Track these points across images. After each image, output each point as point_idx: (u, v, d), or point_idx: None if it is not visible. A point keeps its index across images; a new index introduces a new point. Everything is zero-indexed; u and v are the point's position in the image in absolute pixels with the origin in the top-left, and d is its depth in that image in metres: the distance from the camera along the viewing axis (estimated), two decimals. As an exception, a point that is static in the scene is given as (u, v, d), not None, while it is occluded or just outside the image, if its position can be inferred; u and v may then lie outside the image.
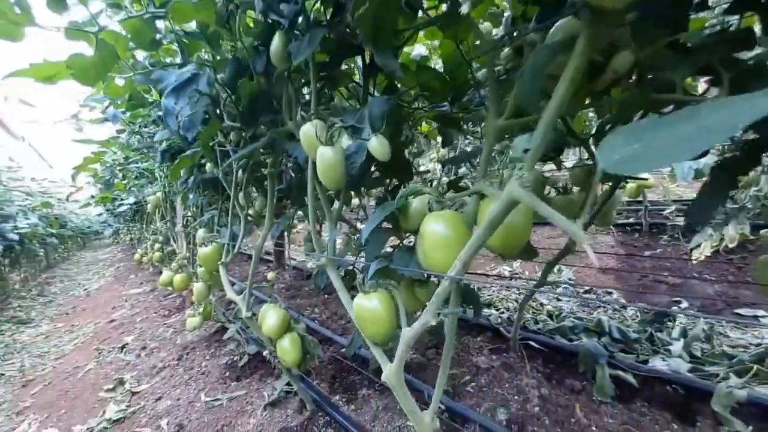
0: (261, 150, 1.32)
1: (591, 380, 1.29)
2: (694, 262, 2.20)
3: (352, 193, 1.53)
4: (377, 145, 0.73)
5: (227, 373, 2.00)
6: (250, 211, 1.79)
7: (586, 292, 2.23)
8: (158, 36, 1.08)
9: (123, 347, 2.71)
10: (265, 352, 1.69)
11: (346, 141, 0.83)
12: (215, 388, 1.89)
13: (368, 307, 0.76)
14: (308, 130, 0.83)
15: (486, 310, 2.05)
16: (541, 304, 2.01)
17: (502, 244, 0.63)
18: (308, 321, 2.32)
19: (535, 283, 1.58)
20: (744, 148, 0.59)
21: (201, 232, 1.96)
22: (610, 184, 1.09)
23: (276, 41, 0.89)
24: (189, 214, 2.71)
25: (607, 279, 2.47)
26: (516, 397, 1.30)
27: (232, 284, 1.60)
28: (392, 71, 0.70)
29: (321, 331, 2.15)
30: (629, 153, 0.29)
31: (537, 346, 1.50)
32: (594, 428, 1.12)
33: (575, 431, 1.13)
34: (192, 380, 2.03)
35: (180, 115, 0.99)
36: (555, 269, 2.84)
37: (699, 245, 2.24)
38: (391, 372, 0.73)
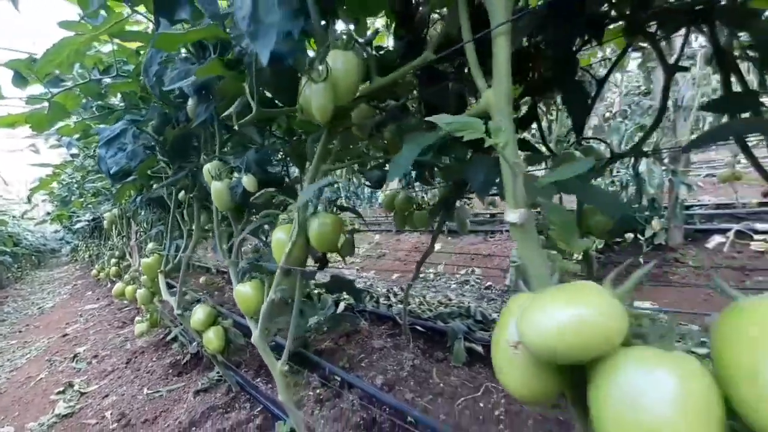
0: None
1: (451, 352, 1.68)
2: (573, 260, 2.69)
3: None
4: (247, 181, 1.10)
5: (170, 371, 2.25)
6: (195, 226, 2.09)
7: (486, 288, 2.67)
8: (103, 90, 1.42)
9: (75, 357, 2.88)
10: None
11: (238, 177, 1.19)
12: (157, 383, 2.15)
13: (243, 291, 1.11)
14: (207, 167, 1.18)
15: (399, 305, 2.43)
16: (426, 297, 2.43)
17: (317, 244, 0.99)
18: (239, 318, 2.61)
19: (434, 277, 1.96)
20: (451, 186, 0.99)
21: (150, 246, 2.24)
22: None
23: (190, 102, 1.24)
24: (140, 229, 2.96)
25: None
26: (395, 368, 1.67)
27: (185, 293, 1.88)
28: (251, 135, 1.07)
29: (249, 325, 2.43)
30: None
31: (421, 329, 1.89)
32: (442, 385, 1.50)
33: (429, 388, 1.51)
34: (137, 379, 2.27)
35: (114, 161, 1.32)
36: (468, 270, 3.28)
37: (576, 248, 2.74)
38: (255, 336, 1.08)
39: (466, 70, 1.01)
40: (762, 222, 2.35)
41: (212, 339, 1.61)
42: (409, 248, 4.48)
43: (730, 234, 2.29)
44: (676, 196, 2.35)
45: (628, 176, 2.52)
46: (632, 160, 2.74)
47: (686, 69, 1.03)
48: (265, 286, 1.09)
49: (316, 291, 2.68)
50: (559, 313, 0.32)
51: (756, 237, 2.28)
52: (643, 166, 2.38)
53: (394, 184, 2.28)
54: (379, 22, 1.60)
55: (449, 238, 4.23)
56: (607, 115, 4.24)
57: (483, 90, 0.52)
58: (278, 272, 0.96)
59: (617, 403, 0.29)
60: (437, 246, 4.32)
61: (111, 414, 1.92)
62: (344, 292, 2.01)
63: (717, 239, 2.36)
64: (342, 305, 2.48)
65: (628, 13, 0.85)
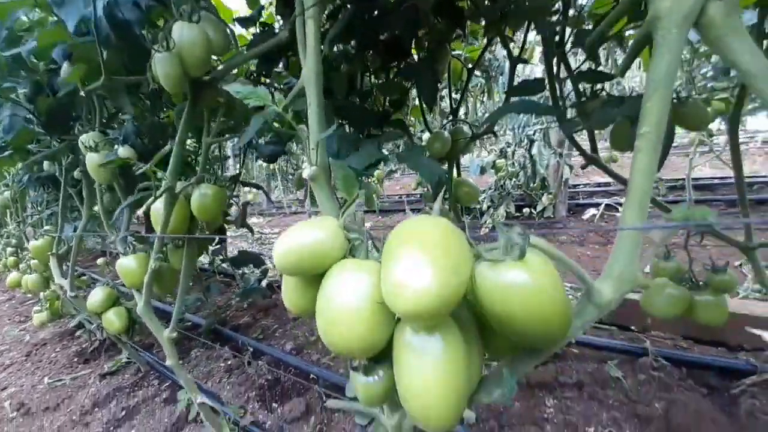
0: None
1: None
2: (482, 232, 2.99)
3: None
4: (123, 151, 1.08)
5: (76, 359, 2.15)
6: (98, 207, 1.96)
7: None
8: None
9: (-36, 355, 2.60)
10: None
11: (121, 150, 1.16)
12: (61, 372, 2.04)
13: (126, 264, 1.11)
14: (83, 139, 1.14)
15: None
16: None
17: (198, 215, 1.03)
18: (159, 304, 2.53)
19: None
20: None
21: (46, 228, 2.06)
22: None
23: (63, 68, 1.17)
24: (34, 212, 2.69)
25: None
26: (306, 335, 1.77)
27: (81, 275, 1.77)
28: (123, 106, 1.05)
29: (162, 307, 2.35)
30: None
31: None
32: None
33: (334, 350, 1.64)
34: (38, 370, 2.13)
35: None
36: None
37: (486, 221, 3.03)
38: (140, 306, 1.10)
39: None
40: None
41: (113, 320, 1.57)
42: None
43: (601, 207, 2.71)
44: (561, 176, 2.69)
45: (525, 158, 2.83)
46: (528, 143, 3.05)
47: (526, 61, 1.20)
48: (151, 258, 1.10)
49: (241, 271, 2.68)
50: (288, 238, 0.42)
51: (620, 209, 2.73)
52: (535, 149, 2.69)
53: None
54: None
55: (380, 216, 4.38)
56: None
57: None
58: (156, 242, 0.99)
59: (323, 297, 0.40)
60: (368, 224, 4.47)
61: (9, 404, 1.81)
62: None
63: (591, 211, 2.77)
64: (264, 282, 2.51)
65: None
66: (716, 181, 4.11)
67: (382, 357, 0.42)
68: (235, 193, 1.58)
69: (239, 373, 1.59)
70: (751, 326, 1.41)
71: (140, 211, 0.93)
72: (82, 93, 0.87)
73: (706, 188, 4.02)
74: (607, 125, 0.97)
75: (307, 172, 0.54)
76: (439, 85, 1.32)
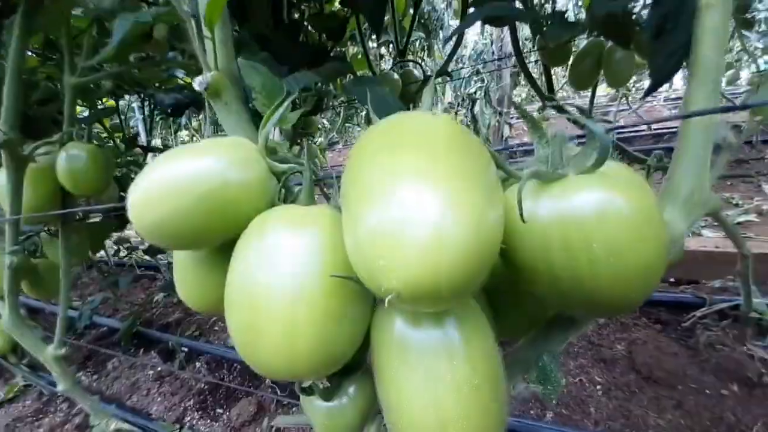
0: None
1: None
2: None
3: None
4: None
5: (-44, 390, 1.70)
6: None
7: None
8: None
9: None
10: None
11: None
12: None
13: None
14: None
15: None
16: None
17: (70, 186, 0.74)
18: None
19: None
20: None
21: None
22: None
23: None
24: None
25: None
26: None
27: None
28: None
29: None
30: None
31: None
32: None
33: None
34: None
35: None
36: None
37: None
38: (4, 318, 0.80)
39: None
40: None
41: (-11, 339, 1.22)
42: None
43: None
44: (501, 135, 2.68)
45: (467, 118, 2.77)
46: (470, 103, 2.98)
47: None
48: (6, 253, 0.80)
49: (165, 260, 2.31)
50: (155, 175, 0.22)
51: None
52: (477, 108, 2.63)
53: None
54: None
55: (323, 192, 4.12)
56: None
57: None
58: (7, 229, 0.70)
59: (234, 279, 0.21)
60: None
61: None
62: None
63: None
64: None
65: None
66: (633, 133, 4.50)
67: (351, 365, 0.25)
68: (142, 162, 1.26)
69: (172, 380, 1.34)
70: (688, 261, 1.50)
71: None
72: None
73: (626, 141, 4.37)
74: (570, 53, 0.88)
75: (199, 80, 0.33)
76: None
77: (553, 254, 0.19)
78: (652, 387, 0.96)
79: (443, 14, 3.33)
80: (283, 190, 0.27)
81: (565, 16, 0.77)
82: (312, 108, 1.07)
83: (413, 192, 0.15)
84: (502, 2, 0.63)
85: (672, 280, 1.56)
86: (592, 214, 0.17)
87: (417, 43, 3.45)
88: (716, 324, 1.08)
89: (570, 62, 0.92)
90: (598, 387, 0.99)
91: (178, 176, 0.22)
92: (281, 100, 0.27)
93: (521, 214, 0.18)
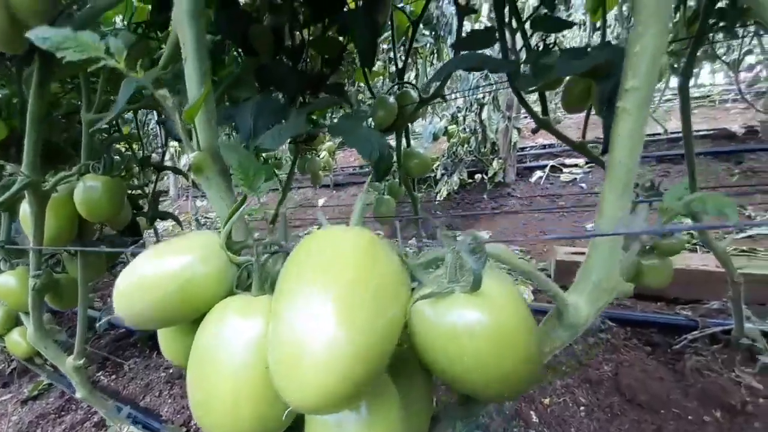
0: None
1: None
2: (437, 201, 2.96)
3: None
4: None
5: (-11, 385, 1.85)
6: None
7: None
8: None
9: None
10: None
11: None
12: (-29, 401, 1.75)
13: (3, 282, 0.89)
14: None
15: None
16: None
17: (87, 214, 0.82)
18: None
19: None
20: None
21: None
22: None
23: None
24: None
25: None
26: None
27: None
28: None
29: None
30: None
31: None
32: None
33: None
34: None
35: None
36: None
37: (440, 190, 2.99)
38: (30, 332, 0.90)
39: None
40: (569, 158, 2.88)
41: (18, 342, 1.31)
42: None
43: (546, 169, 2.76)
44: (510, 139, 2.67)
45: (475, 123, 2.77)
46: (478, 107, 2.97)
47: (474, 11, 1.07)
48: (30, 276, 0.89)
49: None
50: (136, 271, 0.28)
51: (564, 170, 2.81)
52: (485, 113, 2.62)
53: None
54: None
55: (334, 191, 4.20)
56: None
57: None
58: (31, 255, 0.78)
59: (194, 359, 0.27)
60: (321, 200, 4.26)
61: None
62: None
63: (538, 173, 2.82)
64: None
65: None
66: (645, 138, 4.39)
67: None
68: (150, 180, 1.34)
69: (182, 382, 1.43)
70: (688, 279, 1.49)
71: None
72: None
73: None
74: (563, 79, 0.90)
75: (185, 160, 0.39)
76: (382, 46, 1.15)
77: (438, 357, 0.23)
78: (635, 410, 0.98)
79: (452, 19, 3.34)
80: (245, 273, 0.32)
81: (551, 49, 0.80)
82: (306, 137, 1.12)
83: (305, 321, 0.19)
84: (478, 53, 0.66)
85: (673, 297, 1.55)
86: (464, 331, 0.22)
87: (427, 47, 3.46)
88: (707, 348, 1.09)
89: (563, 85, 0.94)
90: (582, 408, 1.02)
91: (157, 275, 0.27)
92: (239, 202, 0.32)
93: (408, 323, 0.22)
